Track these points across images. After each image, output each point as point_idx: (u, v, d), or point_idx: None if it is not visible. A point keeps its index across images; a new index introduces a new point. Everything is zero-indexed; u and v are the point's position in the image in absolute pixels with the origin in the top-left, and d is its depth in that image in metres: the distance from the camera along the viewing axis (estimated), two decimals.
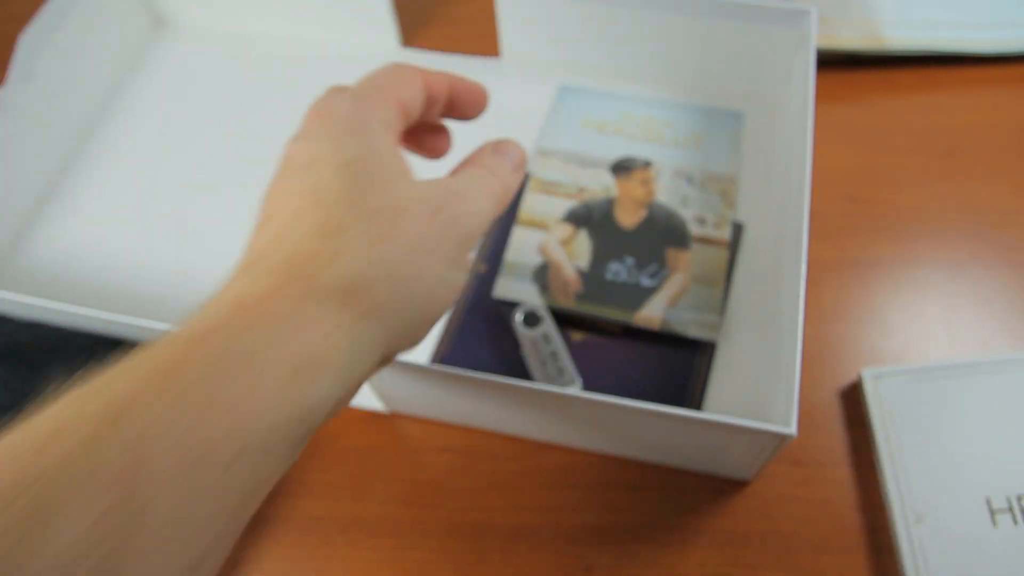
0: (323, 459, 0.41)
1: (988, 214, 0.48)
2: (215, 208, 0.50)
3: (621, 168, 0.50)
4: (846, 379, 0.42)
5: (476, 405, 0.38)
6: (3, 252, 0.49)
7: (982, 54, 0.54)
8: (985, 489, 0.37)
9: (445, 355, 0.43)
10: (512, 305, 0.44)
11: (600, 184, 0.49)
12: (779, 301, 0.41)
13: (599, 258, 0.46)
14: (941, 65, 0.54)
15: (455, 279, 0.25)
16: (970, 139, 0.51)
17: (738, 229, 0.47)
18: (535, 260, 0.46)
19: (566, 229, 0.47)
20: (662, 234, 0.47)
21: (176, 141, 0.54)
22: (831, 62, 0.54)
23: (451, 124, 0.31)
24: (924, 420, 0.39)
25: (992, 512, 0.36)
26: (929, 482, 0.37)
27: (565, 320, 0.44)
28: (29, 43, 0.49)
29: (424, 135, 0.30)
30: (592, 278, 0.45)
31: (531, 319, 0.43)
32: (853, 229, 0.48)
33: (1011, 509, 0.36)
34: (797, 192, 0.39)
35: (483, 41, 0.56)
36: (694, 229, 0.47)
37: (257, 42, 0.59)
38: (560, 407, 0.34)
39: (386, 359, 0.24)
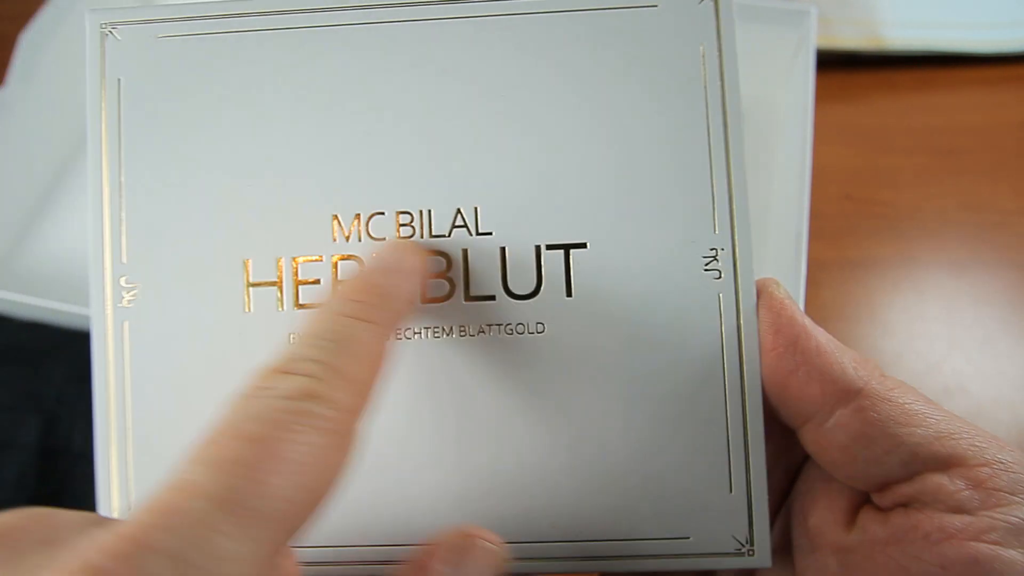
0: None
1: (988, 214, 0.48)
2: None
3: None
4: None
5: None
6: (3, 252, 0.49)
7: (982, 54, 0.54)
8: None
9: None
10: None
11: None
12: None
13: None
14: (941, 65, 0.54)
15: None
16: (970, 139, 0.51)
17: None
18: None
19: None
20: None
21: None
22: (831, 62, 0.54)
23: None
24: None
25: None
26: None
27: None
28: (29, 43, 0.49)
29: None
30: None
31: None
32: (853, 229, 0.48)
33: None
34: (797, 192, 0.39)
35: None
36: None
37: None
38: None
39: None
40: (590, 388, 0.22)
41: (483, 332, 0.22)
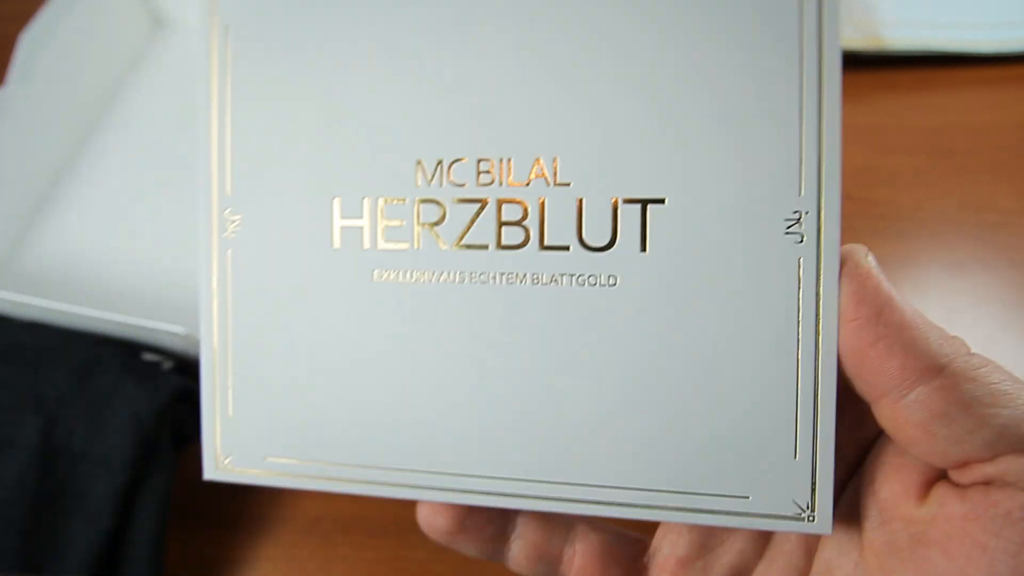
0: None
1: (988, 214, 0.48)
2: None
3: None
4: None
5: None
6: (3, 252, 0.49)
7: (982, 54, 0.54)
8: None
9: None
10: None
11: None
12: None
13: None
14: (941, 65, 0.54)
15: None
16: (970, 139, 0.51)
17: None
18: None
19: None
20: None
21: (176, 141, 0.54)
22: None
23: None
24: None
25: None
26: None
27: None
28: (29, 43, 0.49)
29: None
30: None
31: None
32: (853, 229, 0.48)
33: None
34: None
35: None
36: None
37: None
38: None
39: None
40: (659, 342, 0.22)
41: (555, 281, 0.23)
